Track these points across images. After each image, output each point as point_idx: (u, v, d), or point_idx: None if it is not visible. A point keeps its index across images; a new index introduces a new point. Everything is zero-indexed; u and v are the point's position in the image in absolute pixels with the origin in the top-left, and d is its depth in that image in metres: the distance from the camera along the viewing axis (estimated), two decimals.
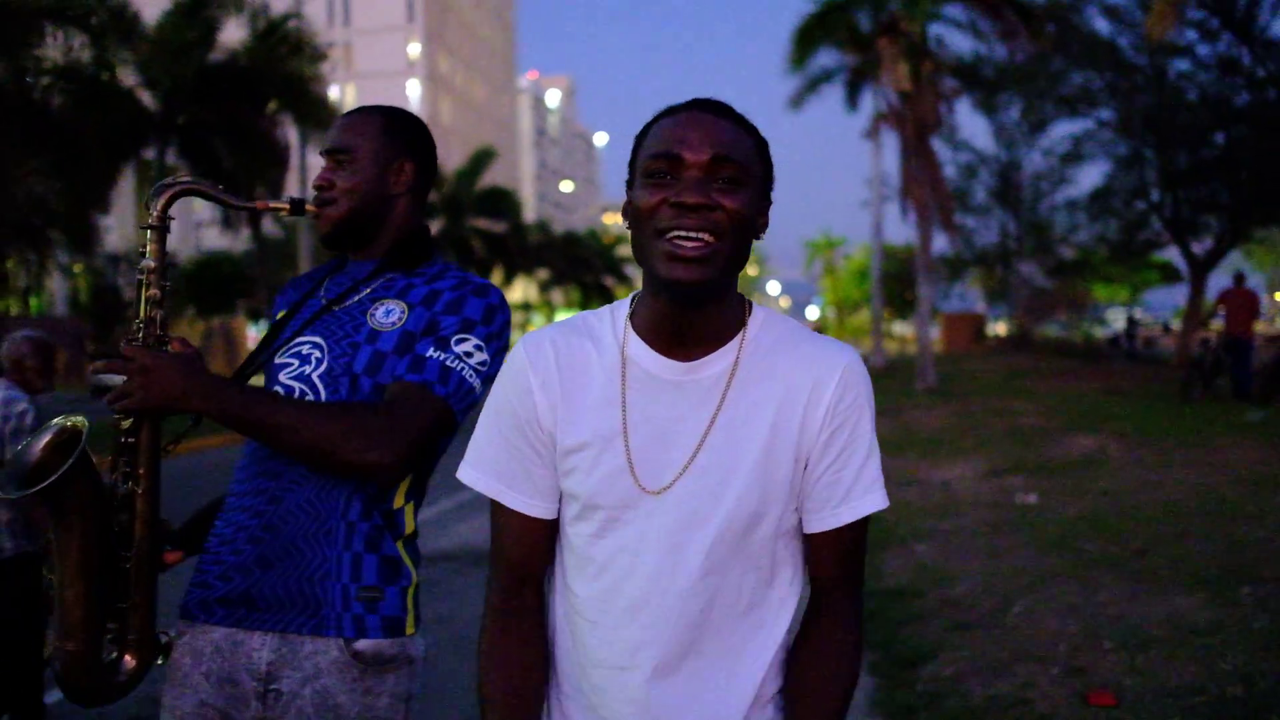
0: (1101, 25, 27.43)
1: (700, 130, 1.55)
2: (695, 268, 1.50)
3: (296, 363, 2.14)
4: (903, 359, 33.47)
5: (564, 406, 1.64)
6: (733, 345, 1.63)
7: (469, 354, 2.08)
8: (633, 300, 1.70)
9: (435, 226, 40.41)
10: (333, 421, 1.96)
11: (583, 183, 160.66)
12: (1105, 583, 6.29)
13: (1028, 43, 23.73)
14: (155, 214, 2.08)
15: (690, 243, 1.50)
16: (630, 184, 1.61)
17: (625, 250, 76.67)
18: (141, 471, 2.04)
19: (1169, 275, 43.48)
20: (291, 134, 26.61)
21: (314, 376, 2.11)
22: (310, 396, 2.09)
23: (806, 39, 25.38)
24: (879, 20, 24.46)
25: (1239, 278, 17.44)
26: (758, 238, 1.64)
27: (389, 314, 2.14)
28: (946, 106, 25.14)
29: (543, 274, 55.50)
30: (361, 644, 2.04)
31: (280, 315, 2.29)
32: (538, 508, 1.69)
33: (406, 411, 1.99)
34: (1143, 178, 28.74)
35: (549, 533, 1.72)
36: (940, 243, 30.51)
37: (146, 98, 23.54)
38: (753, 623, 1.66)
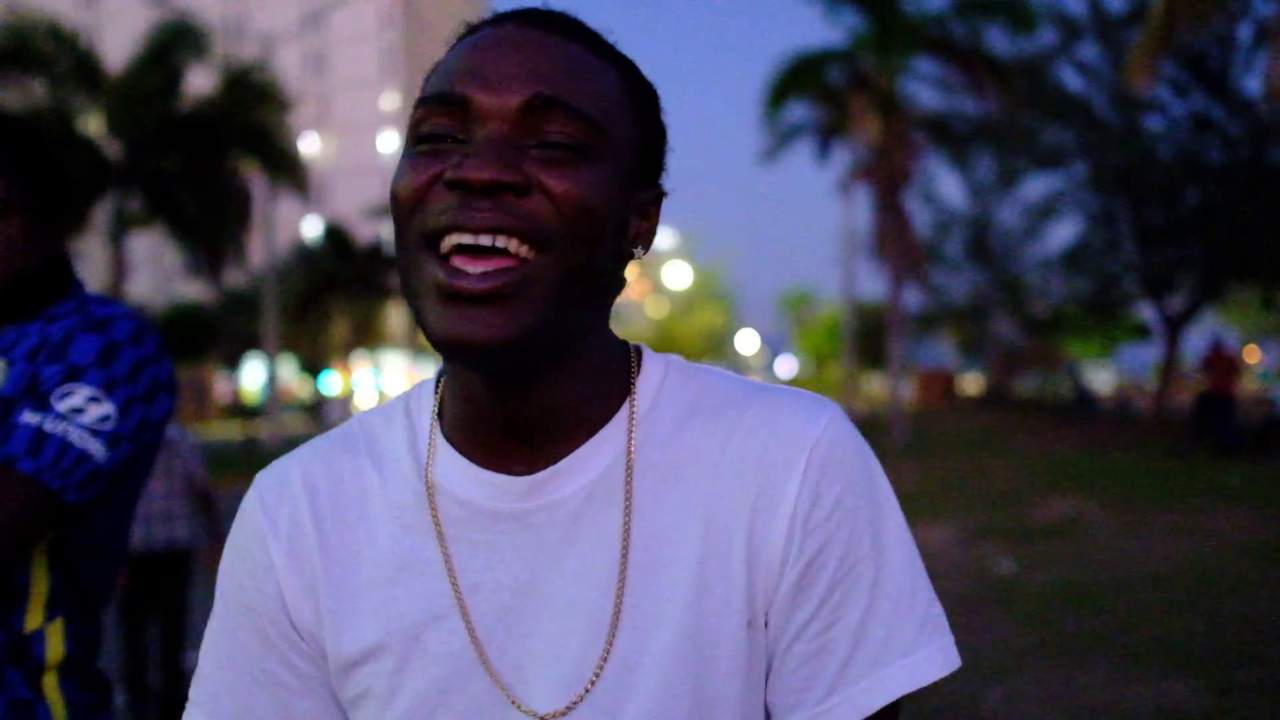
0: (1073, 81, 27.36)
1: (508, 54, 0.87)
2: (486, 314, 0.82)
3: None
4: (874, 416, 33.26)
5: (331, 589, 0.96)
6: (611, 432, 0.94)
7: (78, 409, 1.53)
8: (439, 380, 1.01)
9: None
10: None
11: None
12: (1088, 664, 5.88)
13: (998, 98, 23.65)
14: None
15: (478, 262, 0.83)
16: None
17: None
18: None
19: (1142, 332, 43.53)
20: (259, 184, 26.24)
21: None
22: None
23: (779, 94, 25.16)
24: (850, 75, 24.32)
25: (1218, 344, 19.12)
26: (631, 256, 0.93)
27: None
28: (917, 160, 24.98)
29: None
30: None
31: None
32: None
33: None
34: (1116, 235, 28.64)
35: None
36: (913, 298, 30.33)
37: (109, 145, 23.12)
38: None
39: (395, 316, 56.17)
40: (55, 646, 1.60)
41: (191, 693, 1.02)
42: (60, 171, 1.76)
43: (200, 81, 24.44)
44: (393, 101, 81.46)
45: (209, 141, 23.34)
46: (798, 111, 26.44)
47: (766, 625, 0.93)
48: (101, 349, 1.59)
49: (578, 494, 0.92)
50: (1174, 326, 28.29)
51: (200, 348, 40.02)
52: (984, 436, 24.36)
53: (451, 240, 0.83)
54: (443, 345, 0.84)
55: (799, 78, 24.96)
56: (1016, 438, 23.18)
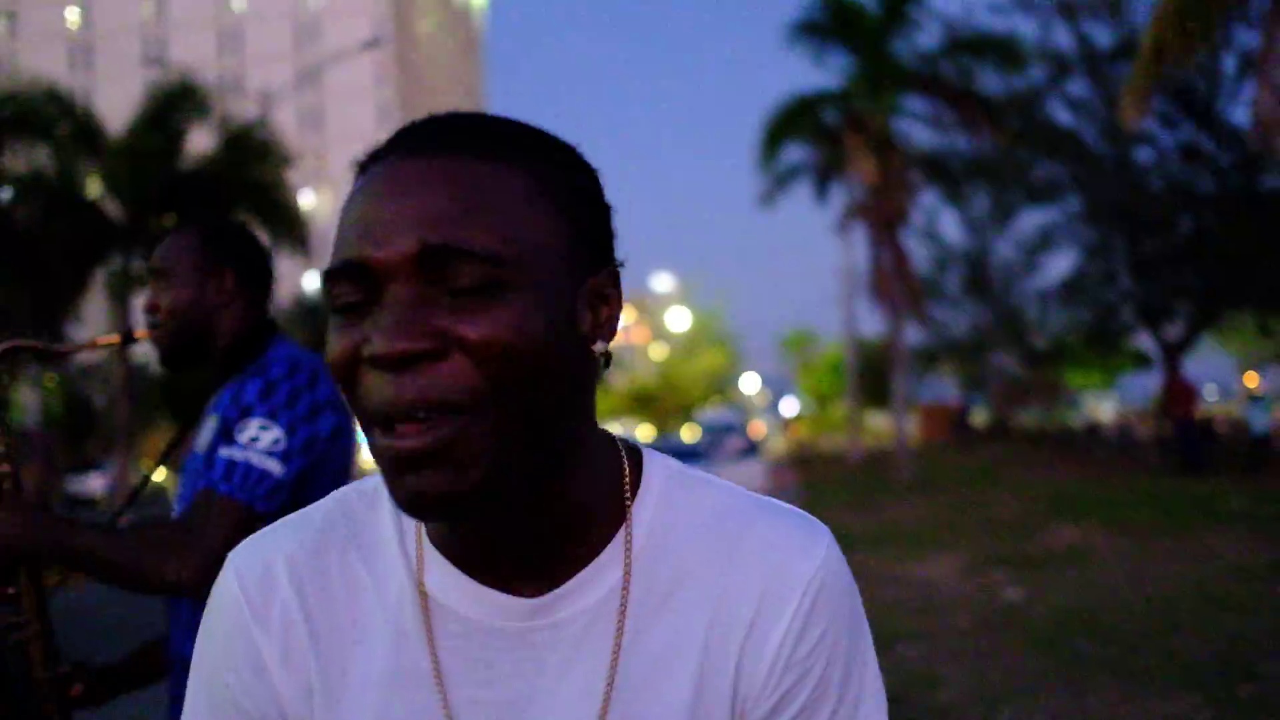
0: (1064, 116, 27.64)
1: (394, 199, 0.80)
2: (431, 475, 0.79)
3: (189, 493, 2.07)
4: (879, 452, 33.36)
5: (325, 694, 0.91)
6: (610, 555, 0.93)
7: (255, 439, 1.94)
8: None
9: None
10: (128, 542, 1.86)
11: None
12: (1097, 684, 5.98)
13: (991, 135, 23.93)
14: None
15: (410, 437, 0.78)
16: None
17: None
18: (26, 619, 1.84)
19: (1141, 361, 43.63)
20: (263, 240, 26.34)
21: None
22: None
23: (775, 136, 25.48)
24: (845, 116, 24.61)
25: (1175, 373, 22.90)
26: (593, 357, 0.87)
27: (203, 434, 2.08)
28: (913, 198, 25.22)
29: None
30: None
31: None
32: None
33: (198, 521, 1.89)
34: (1112, 265, 28.84)
35: None
36: (913, 334, 30.49)
37: (112, 206, 23.36)
38: None
39: None
40: None
41: None
42: (263, 255, 2.20)
43: (200, 140, 24.69)
44: None
45: (210, 199, 23.53)
46: (795, 154, 26.76)
47: None
48: (260, 389, 1.99)
49: (581, 616, 0.91)
50: (1172, 355, 28.44)
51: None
52: (988, 468, 24.43)
53: (384, 416, 0.80)
54: (401, 507, 0.81)
55: (795, 120, 25.29)
56: (1020, 469, 23.26)
